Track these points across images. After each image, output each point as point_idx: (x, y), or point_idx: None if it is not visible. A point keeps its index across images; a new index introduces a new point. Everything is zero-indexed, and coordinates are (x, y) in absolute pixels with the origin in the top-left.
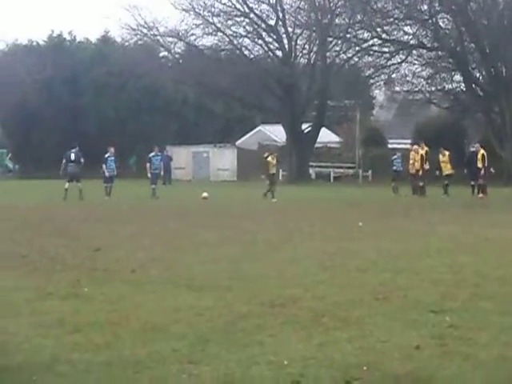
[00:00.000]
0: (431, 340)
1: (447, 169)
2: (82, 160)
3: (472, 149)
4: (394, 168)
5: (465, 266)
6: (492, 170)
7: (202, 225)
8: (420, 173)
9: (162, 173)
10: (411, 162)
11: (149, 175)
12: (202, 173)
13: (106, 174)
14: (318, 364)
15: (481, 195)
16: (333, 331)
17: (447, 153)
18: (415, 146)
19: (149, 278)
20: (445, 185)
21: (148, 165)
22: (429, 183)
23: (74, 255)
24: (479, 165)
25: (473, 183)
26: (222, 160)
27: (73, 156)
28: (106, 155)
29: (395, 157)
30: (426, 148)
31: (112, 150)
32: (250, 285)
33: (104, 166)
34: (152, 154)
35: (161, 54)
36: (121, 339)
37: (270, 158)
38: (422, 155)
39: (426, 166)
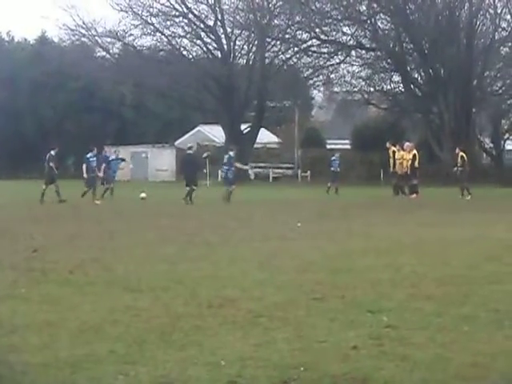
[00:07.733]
0: (368, 340)
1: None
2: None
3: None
4: (332, 169)
5: (402, 266)
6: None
7: (140, 225)
8: (409, 172)
9: (99, 174)
10: (399, 161)
11: (85, 175)
12: (141, 173)
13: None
14: (255, 364)
15: (414, 195)
16: (270, 331)
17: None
18: (407, 143)
19: (86, 278)
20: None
21: (84, 166)
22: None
23: (11, 256)
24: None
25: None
26: (161, 160)
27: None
28: (88, 155)
29: (334, 158)
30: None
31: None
32: (188, 285)
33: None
34: (89, 154)
35: (99, 54)
36: (58, 340)
37: None
38: (414, 154)
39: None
